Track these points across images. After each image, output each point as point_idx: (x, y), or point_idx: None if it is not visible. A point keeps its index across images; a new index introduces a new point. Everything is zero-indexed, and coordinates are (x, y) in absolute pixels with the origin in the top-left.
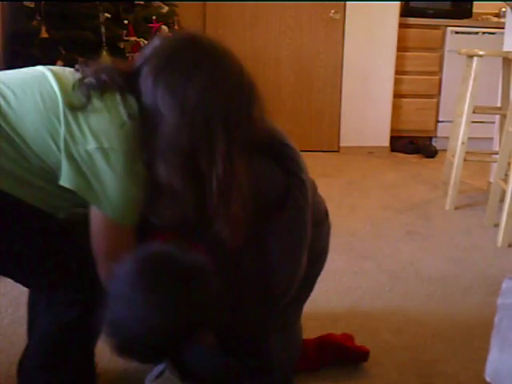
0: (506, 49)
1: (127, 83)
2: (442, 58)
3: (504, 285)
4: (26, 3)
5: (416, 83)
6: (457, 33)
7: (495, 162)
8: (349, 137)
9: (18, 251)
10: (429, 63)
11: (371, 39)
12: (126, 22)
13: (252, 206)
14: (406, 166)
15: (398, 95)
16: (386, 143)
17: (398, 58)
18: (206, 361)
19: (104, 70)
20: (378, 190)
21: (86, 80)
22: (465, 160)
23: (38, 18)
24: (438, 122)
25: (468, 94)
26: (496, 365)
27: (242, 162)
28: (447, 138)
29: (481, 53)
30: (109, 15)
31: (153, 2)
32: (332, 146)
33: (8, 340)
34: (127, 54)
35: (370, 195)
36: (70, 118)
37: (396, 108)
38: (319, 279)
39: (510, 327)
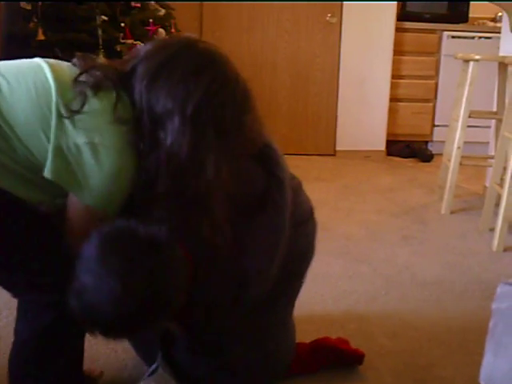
0: (502, 53)
1: (122, 82)
2: (438, 62)
3: (499, 289)
4: (22, 5)
5: (412, 87)
6: (453, 37)
7: (491, 166)
8: (345, 141)
9: None
10: (425, 67)
11: (368, 43)
12: (122, 24)
13: (233, 208)
14: (401, 170)
15: (394, 99)
16: (382, 147)
17: (394, 62)
18: (196, 360)
19: (100, 67)
20: (373, 194)
21: (82, 77)
22: (461, 164)
23: (35, 20)
24: (434, 126)
25: (464, 99)
26: (490, 369)
27: (229, 168)
28: (443, 142)
29: (477, 57)
30: (106, 18)
31: (150, 5)
32: (328, 150)
33: (3, 342)
34: (124, 57)
35: (366, 199)
36: (63, 110)
37: (392, 112)
38: (314, 283)
39: (504, 332)
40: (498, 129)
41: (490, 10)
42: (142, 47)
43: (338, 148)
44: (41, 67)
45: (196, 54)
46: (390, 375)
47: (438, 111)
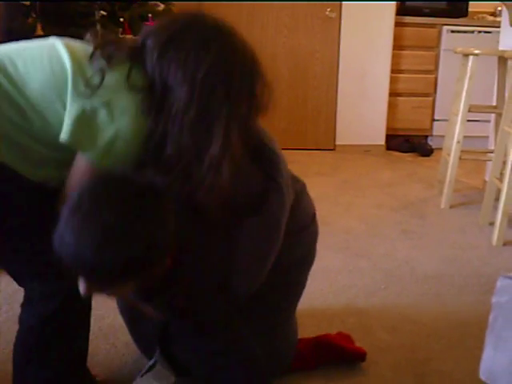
0: (501, 48)
1: (134, 55)
2: (437, 56)
3: (498, 283)
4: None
5: (412, 82)
6: (453, 31)
7: (490, 160)
8: (345, 135)
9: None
10: (425, 62)
11: (367, 38)
12: (121, 19)
13: (227, 208)
14: (401, 164)
15: (393, 94)
16: (382, 141)
17: (393, 56)
18: (194, 354)
19: (113, 42)
20: (373, 189)
21: (97, 51)
22: (460, 158)
23: (34, 16)
24: (434, 120)
25: (464, 93)
26: (490, 363)
27: (239, 137)
28: (443, 136)
29: (476, 51)
30: (104, 13)
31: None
32: (328, 145)
33: (3, 337)
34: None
35: (366, 194)
36: (81, 84)
37: (392, 106)
38: (314, 277)
39: (504, 326)
40: (497, 123)
41: (489, 4)
42: (150, 26)
43: (337, 142)
44: (54, 45)
45: (204, 25)
46: (390, 369)
47: (438, 105)
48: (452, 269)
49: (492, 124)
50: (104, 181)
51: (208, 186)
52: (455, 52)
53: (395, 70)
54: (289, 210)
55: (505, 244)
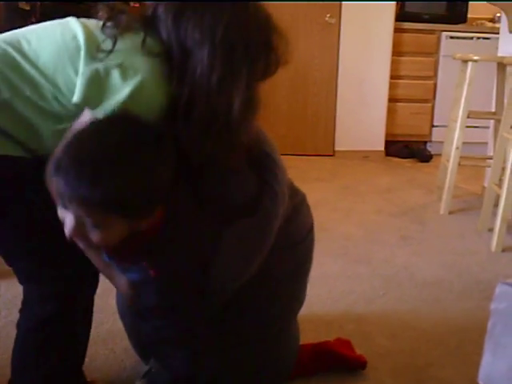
0: (500, 54)
1: (147, 23)
2: (436, 62)
3: (497, 289)
4: (21, 5)
5: (411, 88)
6: (452, 38)
7: (489, 166)
8: (344, 141)
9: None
10: (424, 68)
11: (366, 44)
12: None
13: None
14: (400, 170)
15: (392, 100)
16: (381, 147)
17: (393, 62)
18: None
19: (124, 11)
20: (372, 195)
21: (109, 22)
22: (459, 165)
23: (33, 20)
24: (433, 126)
25: (463, 99)
26: (489, 369)
27: (256, 91)
28: (442, 142)
29: (475, 58)
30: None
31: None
32: (327, 150)
33: (2, 343)
34: None
35: (365, 199)
36: (93, 45)
37: (391, 112)
38: (313, 283)
39: (503, 332)
40: (496, 129)
41: (488, 10)
42: None
43: (336, 148)
44: (68, 21)
45: None
46: (389, 375)
47: (437, 112)
48: (451, 275)
49: (491, 130)
50: (107, 116)
51: (233, 144)
52: (454, 58)
53: (394, 75)
54: (281, 217)
55: (504, 250)
